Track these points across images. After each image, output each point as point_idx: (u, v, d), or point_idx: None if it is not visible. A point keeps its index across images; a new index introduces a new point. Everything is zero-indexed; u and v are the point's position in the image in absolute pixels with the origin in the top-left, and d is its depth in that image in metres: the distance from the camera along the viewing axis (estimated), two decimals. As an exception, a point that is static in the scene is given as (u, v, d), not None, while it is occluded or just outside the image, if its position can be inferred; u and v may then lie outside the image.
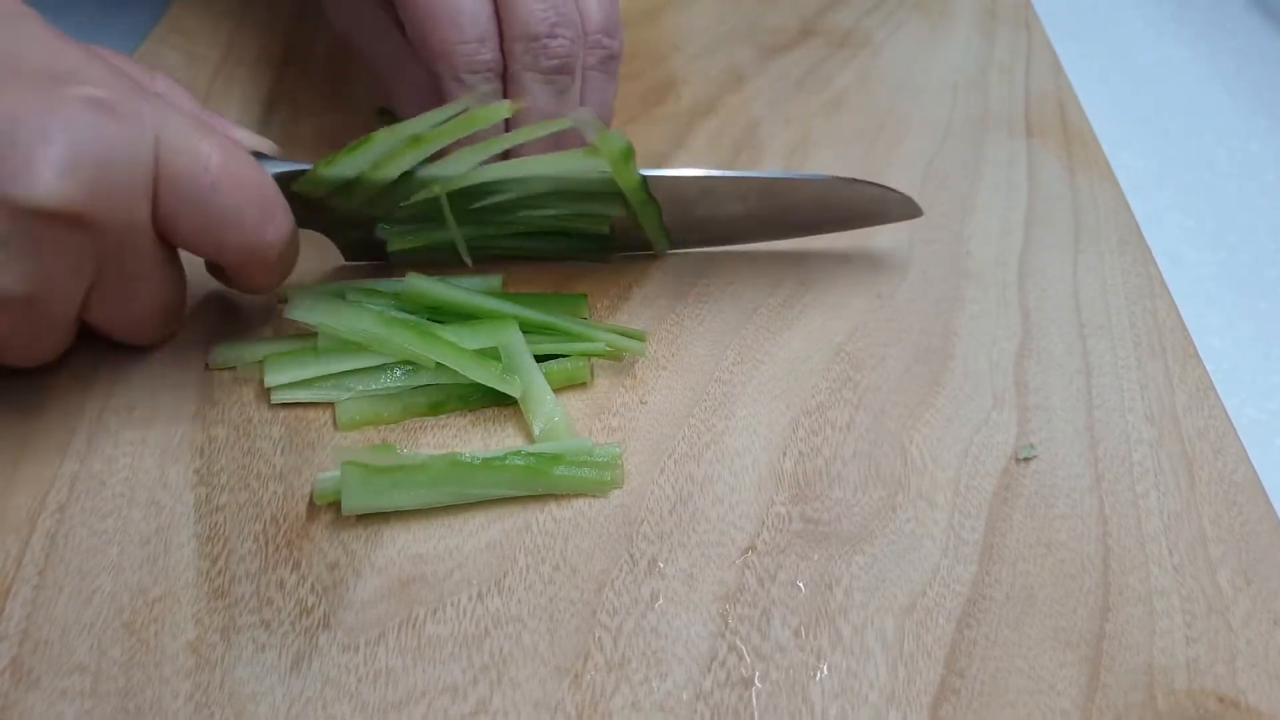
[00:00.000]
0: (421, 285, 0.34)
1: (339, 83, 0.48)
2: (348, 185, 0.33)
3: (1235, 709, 0.26)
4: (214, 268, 0.33)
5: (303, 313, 0.32)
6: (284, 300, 0.35)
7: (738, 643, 0.27)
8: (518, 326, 0.34)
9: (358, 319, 0.32)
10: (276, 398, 0.32)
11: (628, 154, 0.34)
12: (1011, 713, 0.26)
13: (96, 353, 0.34)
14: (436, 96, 0.35)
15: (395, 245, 0.36)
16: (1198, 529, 0.30)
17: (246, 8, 0.53)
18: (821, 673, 0.26)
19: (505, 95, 0.35)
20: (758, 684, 0.26)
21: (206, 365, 0.33)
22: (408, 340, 0.32)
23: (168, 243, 0.30)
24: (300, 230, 0.33)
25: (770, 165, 0.44)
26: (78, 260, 0.27)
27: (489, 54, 0.34)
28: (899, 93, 0.50)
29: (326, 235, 0.36)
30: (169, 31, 0.51)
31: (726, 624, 0.27)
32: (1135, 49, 0.62)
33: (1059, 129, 0.48)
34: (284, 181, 0.32)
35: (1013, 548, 0.29)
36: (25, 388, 0.33)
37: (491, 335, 0.33)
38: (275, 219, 0.30)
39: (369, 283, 0.35)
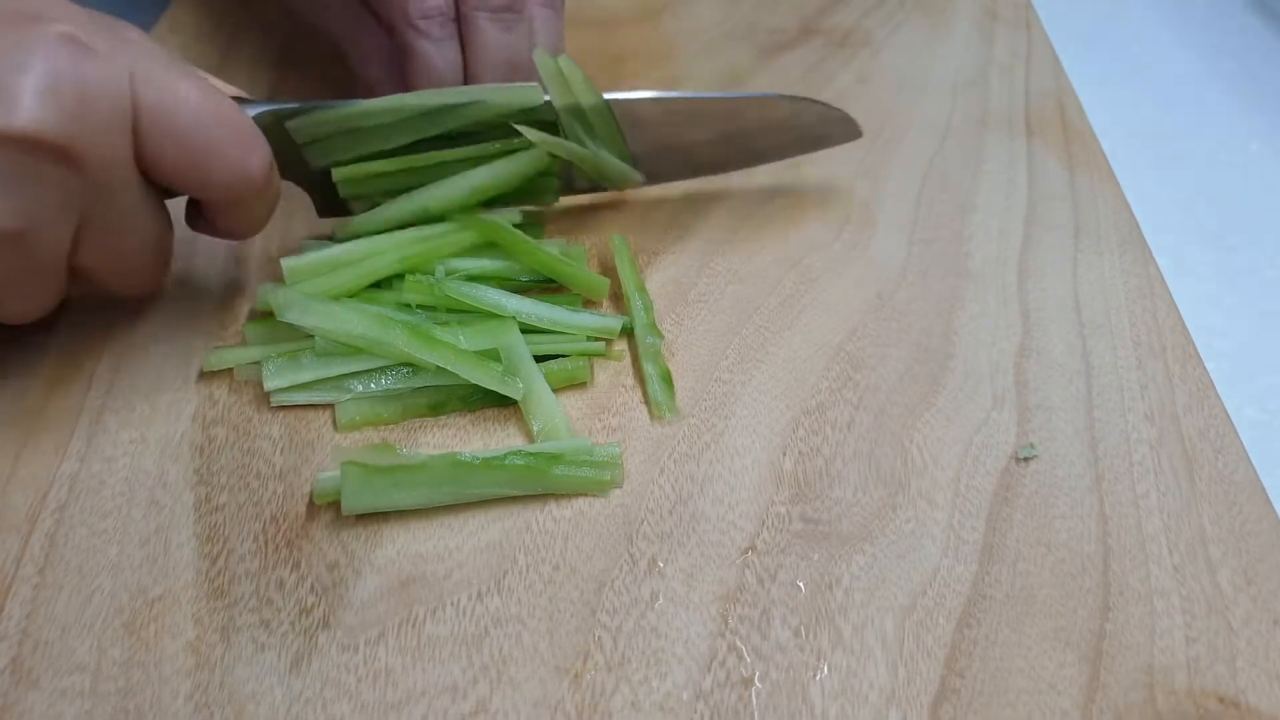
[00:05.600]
0: (420, 286, 0.34)
1: (338, 83, 0.48)
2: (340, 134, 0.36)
3: (1235, 709, 0.26)
4: (195, 216, 0.33)
5: (297, 315, 0.32)
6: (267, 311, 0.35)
7: (738, 643, 0.27)
8: (518, 327, 0.34)
9: (354, 322, 0.32)
10: (276, 400, 0.32)
11: (586, 77, 0.37)
12: (1011, 713, 0.26)
13: (96, 350, 0.34)
14: (395, 55, 0.39)
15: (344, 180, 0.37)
16: (1198, 529, 0.30)
17: (246, 8, 0.53)
18: (821, 673, 0.26)
19: (460, 38, 0.39)
20: (758, 684, 0.26)
21: (203, 369, 0.33)
22: (406, 343, 0.32)
23: (152, 184, 0.30)
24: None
25: (770, 165, 0.44)
26: (64, 196, 0.27)
27: None
28: (899, 93, 0.50)
29: (300, 186, 0.37)
30: (169, 31, 0.51)
31: (726, 624, 0.27)
32: (1135, 49, 0.62)
33: (1059, 129, 0.48)
34: (267, 125, 0.34)
35: (1013, 547, 0.29)
36: (25, 386, 0.33)
37: (491, 336, 0.33)
38: (257, 151, 0.31)
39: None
